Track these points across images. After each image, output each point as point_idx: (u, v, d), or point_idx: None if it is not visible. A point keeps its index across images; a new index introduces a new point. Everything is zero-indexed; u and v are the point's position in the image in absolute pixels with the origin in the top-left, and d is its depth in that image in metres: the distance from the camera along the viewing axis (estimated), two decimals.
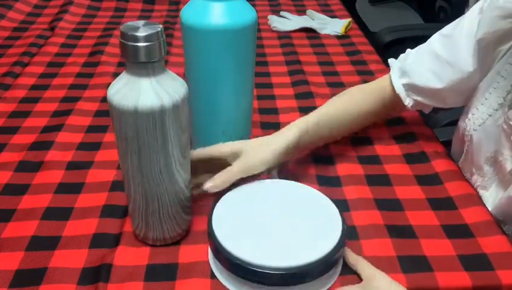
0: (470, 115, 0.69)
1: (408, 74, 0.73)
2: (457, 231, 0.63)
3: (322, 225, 0.56)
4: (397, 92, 0.74)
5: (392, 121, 0.86)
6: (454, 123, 0.97)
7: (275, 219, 0.57)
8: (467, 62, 0.67)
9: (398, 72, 0.75)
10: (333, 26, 1.27)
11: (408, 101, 0.75)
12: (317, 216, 0.57)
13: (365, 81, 0.99)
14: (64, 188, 0.68)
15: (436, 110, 0.79)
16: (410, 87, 0.74)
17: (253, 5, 0.62)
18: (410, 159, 0.76)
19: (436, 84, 0.70)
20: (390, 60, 0.78)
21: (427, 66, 0.71)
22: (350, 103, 0.75)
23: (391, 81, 0.75)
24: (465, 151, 0.72)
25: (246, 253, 0.51)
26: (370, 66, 1.07)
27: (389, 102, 0.77)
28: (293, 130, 0.65)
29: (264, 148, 0.62)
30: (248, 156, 0.61)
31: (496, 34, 0.64)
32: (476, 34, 0.65)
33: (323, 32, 1.25)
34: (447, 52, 0.69)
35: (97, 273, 0.55)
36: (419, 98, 0.74)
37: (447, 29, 0.71)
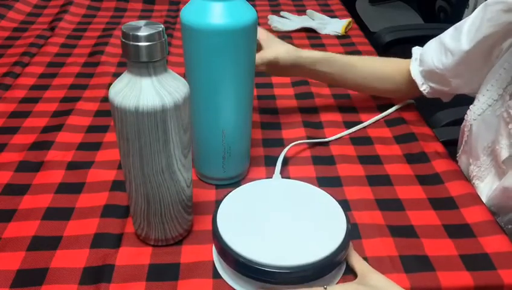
0: (471, 106, 0.72)
1: (422, 62, 0.79)
2: (458, 231, 0.63)
3: (327, 224, 0.56)
4: (414, 77, 0.80)
5: (392, 121, 0.86)
6: (454, 123, 0.98)
7: (280, 218, 0.57)
8: (463, 43, 0.71)
9: (417, 60, 0.80)
10: (333, 26, 1.27)
11: (424, 88, 0.80)
12: (321, 215, 0.57)
13: None
14: (64, 188, 0.68)
15: (439, 107, 0.81)
16: (424, 74, 0.79)
17: (253, 5, 0.63)
18: (411, 159, 0.76)
19: (440, 70, 0.75)
20: (414, 48, 0.83)
21: (435, 54, 0.76)
22: (379, 65, 0.84)
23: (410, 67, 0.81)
24: (464, 142, 0.73)
25: (251, 252, 0.51)
26: None
27: (409, 84, 0.82)
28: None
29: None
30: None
31: (502, 27, 0.66)
32: (478, 28, 0.68)
33: (323, 32, 1.25)
34: (451, 42, 0.73)
35: (99, 273, 0.55)
36: (432, 84, 0.79)
37: (460, 22, 0.75)
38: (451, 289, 0.55)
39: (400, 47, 1.32)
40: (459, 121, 0.76)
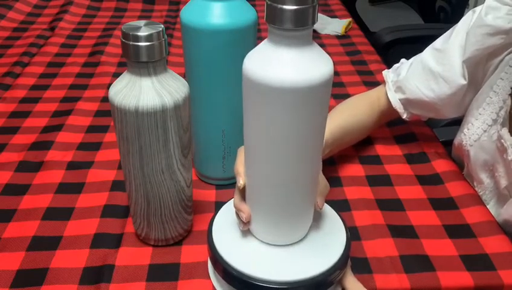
0: (465, 130, 0.70)
1: (402, 90, 0.73)
2: (458, 231, 0.63)
3: (325, 239, 0.53)
4: (395, 107, 0.75)
5: (392, 122, 0.85)
6: (454, 123, 0.98)
7: None
8: (460, 76, 0.67)
9: (393, 86, 0.75)
10: (333, 26, 1.27)
11: (406, 115, 0.75)
12: (320, 229, 0.54)
13: (365, 82, 1.00)
14: (64, 188, 0.68)
15: None
16: (407, 102, 0.74)
17: (253, 5, 0.63)
18: (411, 159, 0.76)
19: (431, 98, 0.71)
20: (385, 73, 0.78)
21: (422, 82, 0.71)
22: (356, 113, 0.75)
23: (387, 95, 0.75)
24: (465, 164, 0.72)
25: (244, 265, 0.49)
26: (370, 66, 1.07)
27: (387, 113, 0.77)
28: None
29: None
30: None
31: (487, 50, 0.65)
32: (464, 52, 0.66)
33: (323, 32, 1.25)
34: (441, 68, 0.69)
35: (99, 273, 0.55)
36: (415, 112, 0.75)
37: (439, 42, 0.71)
38: (452, 289, 0.55)
39: (400, 47, 1.32)
40: (459, 121, 0.75)
